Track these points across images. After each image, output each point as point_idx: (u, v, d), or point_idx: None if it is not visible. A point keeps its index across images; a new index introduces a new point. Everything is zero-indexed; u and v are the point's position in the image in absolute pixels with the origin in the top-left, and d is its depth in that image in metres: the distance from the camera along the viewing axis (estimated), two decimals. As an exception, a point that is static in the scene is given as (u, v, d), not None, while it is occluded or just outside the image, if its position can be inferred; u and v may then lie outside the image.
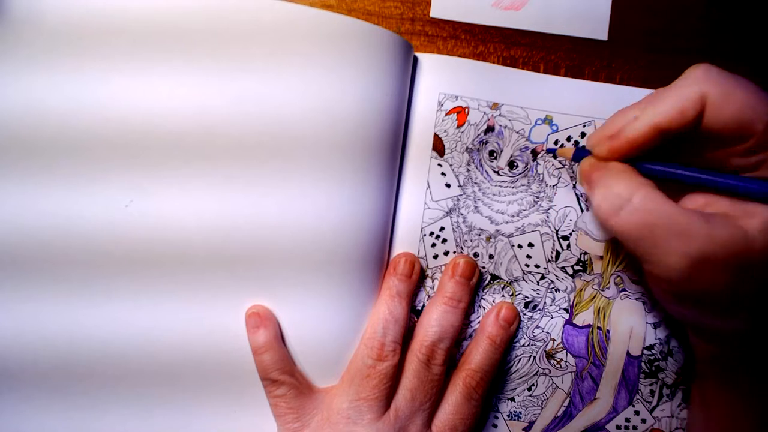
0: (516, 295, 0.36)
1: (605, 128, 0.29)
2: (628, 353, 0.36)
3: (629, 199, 0.26)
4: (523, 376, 0.37)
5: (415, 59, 0.35)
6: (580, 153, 0.32)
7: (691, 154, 0.29)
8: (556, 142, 0.36)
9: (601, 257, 0.36)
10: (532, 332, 0.36)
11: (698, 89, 0.26)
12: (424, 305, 0.36)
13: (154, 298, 0.32)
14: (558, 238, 0.36)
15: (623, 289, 0.36)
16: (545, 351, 0.36)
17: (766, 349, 0.28)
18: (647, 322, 0.36)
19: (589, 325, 0.36)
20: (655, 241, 0.26)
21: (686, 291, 0.26)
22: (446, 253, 0.36)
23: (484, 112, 0.36)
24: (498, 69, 0.36)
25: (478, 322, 0.36)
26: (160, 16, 0.31)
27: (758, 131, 0.25)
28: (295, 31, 0.31)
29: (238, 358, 0.33)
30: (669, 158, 0.29)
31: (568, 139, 0.36)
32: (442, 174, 0.35)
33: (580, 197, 0.36)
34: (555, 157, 0.35)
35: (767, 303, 0.26)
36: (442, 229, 0.36)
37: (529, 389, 0.37)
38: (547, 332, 0.36)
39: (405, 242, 0.35)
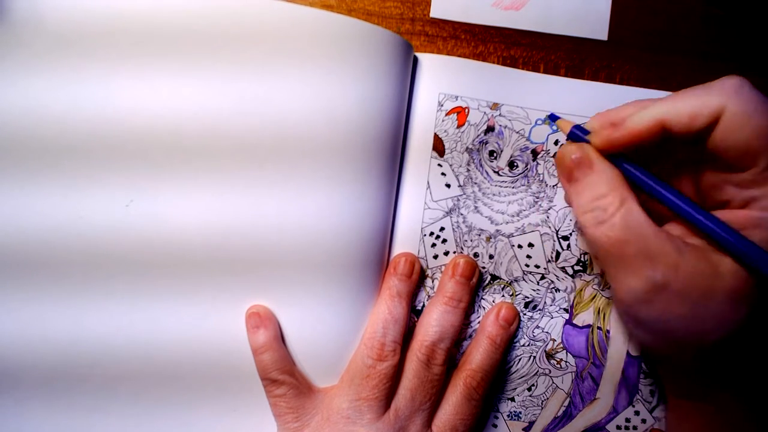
0: (516, 295, 0.36)
1: (612, 113, 0.28)
2: (628, 353, 0.36)
3: (613, 214, 0.26)
4: (523, 376, 0.37)
5: (415, 59, 0.35)
6: (577, 132, 0.29)
7: (690, 169, 0.28)
8: (556, 142, 0.36)
9: (601, 257, 0.36)
10: (532, 332, 0.36)
11: (719, 101, 0.25)
12: (424, 305, 0.36)
13: (154, 298, 0.32)
14: (558, 238, 0.36)
15: (623, 289, 0.36)
16: (545, 351, 0.36)
17: (733, 373, 0.28)
18: (647, 322, 0.36)
19: (589, 325, 0.36)
20: (624, 258, 0.25)
21: (642, 315, 0.26)
22: (446, 253, 0.36)
23: (484, 112, 0.36)
24: (498, 69, 0.36)
25: (478, 322, 0.36)
26: (159, 17, 0.31)
27: (759, 166, 0.24)
28: (294, 32, 0.32)
29: (238, 358, 0.33)
30: (668, 165, 0.29)
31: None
32: (442, 174, 0.36)
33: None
34: (554, 121, 0.32)
35: (728, 345, 0.26)
36: (442, 229, 0.36)
37: (529, 389, 0.37)
38: (547, 332, 0.36)
39: (405, 242, 0.35)
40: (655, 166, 0.29)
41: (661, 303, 0.25)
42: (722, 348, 0.26)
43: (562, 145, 0.33)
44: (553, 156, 0.36)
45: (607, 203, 0.26)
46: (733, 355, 0.27)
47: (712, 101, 0.25)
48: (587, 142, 0.28)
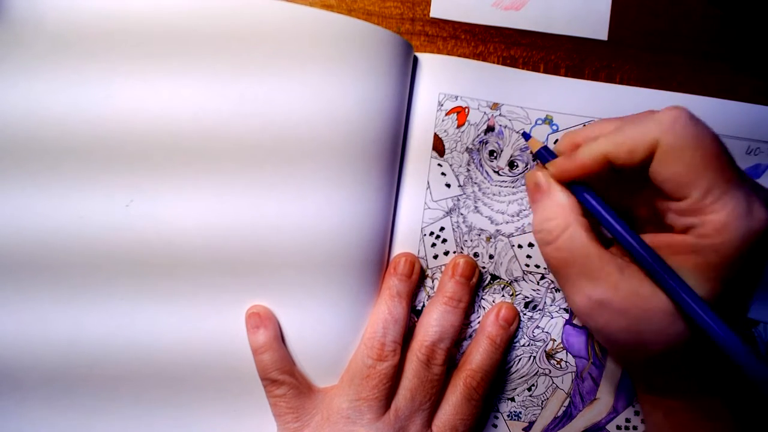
0: (516, 295, 0.36)
1: (578, 135, 0.30)
2: (628, 353, 0.36)
3: (557, 237, 0.28)
4: (523, 376, 0.36)
5: (415, 59, 0.35)
6: (543, 153, 0.31)
7: (647, 193, 0.29)
8: (556, 142, 0.36)
9: (601, 257, 0.36)
10: (532, 332, 0.36)
11: (654, 135, 0.26)
12: (424, 305, 0.36)
13: (154, 299, 0.32)
14: (558, 238, 0.36)
15: (623, 289, 0.36)
16: (545, 351, 0.36)
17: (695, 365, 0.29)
18: (647, 322, 0.36)
19: (589, 325, 0.36)
20: (568, 277, 0.28)
21: (590, 325, 0.28)
22: (446, 253, 0.36)
23: (484, 112, 0.36)
24: (498, 69, 0.36)
25: (478, 322, 0.36)
26: (159, 17, 0.31)
27: (693, 198, 0.25)
28: (294, 32, 0.32)
29: (238, 359, 0.33)
30: (630, 187, 0.29)
31: (568, 139, 0.36)
32: (442, 174, 0.35)
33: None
34: (526, 140, 0.34)
35: (682, 353, 0.27)
36: (442, 229, 0.36)
37: (529, 389, 0.37)
38: (547, 332, 0.36)
39: (405, 242, 0.35)
40: (617, 188, 0.30)
41: (603, 318, 0.27)
42: (673, 356, 0.27)
43: (536, 164, 0.35)
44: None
45: (553, 226, 0.29)
46: (700, 361, 0.28)
47: (647, 135, 0.26)
48: (549, 160, 0.30)
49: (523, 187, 0.36)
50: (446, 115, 0.35)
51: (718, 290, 0.25)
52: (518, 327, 0.36)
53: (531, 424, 0.37)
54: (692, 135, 0.25)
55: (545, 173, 0.30)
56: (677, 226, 0.26)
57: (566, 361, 0.36)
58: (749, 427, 0.29)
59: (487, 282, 0.36)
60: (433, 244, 0.36)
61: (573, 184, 0.29)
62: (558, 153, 0.31)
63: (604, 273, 0.27)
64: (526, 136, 0.34)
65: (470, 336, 0.36)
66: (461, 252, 0.36)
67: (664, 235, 0.27)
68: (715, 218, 0.25)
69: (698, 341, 0.26)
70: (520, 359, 0.36)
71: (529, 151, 0.36)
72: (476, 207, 0.36)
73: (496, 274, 0.36)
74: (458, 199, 0.36)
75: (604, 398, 0.37)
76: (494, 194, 0.36)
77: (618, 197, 0.30)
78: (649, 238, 0.28)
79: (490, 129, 0.36)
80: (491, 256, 0.36)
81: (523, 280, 0.36)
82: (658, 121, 0.26)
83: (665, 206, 0.27)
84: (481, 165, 0.36)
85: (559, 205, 0.29)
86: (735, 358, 0.24)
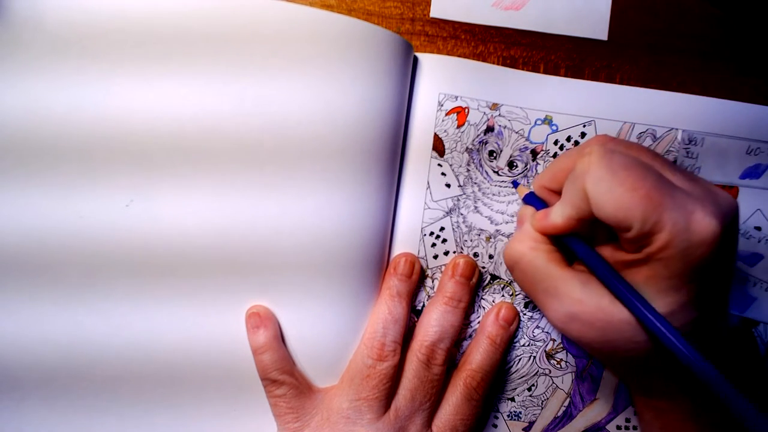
0: (516, 295, 0.36)
1: (544, 175, 0.33)
2: (628, 353, 0.36)
3: (519, 261, 0.31)
4: (523, 376, 0.37)
5: (415, 59, 0.35)
6: (529, 201, 0.33)
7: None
8: (555, 142, 0.36)
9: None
10: (532, 332, 0.36)
11: (581, 186, 0.27)
12: (424, 305, 0.36)
13: (154, 299, 0.32)
14: (558, 238, 0.36)
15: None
16: (545, 351, 0.36)
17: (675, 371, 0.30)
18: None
19: (589, 325, 0.36)
20: (536, 296, 0.31)
21: (566, 335, 0.30)
22: (446, 253, 0.36)
23: (484, 112, 0.36)
24: (498, 69, 0.36)
25: (478, 322, 0.36)
26: (159, 17, 0.31)
27: (633, 230, 0.26)
28: (294, 32, 0.32)
29: (238, 359, 0.33)
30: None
31: (568, 139, 0.36)
32: (442, 174, 0.36)
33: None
34: (515, 187, 0.36)
35: (643, 361, 0.29)
36: (442, 229, 0.36)
37: (529, 389, 0.37)
38: (547, 332, 0.36)
39: (405, 242, 0.35)
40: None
41: (575, 329, 0.29)
42: (650, 358, 0.28)
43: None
44: (554, 156, 0.36)
45: (519, 248, 0.31)
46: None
47: (579, 189, 0.28)
48: (535, 205, 0.33)
49: (523, 187, 0.36)
50: (446, 115, 0.35)
51: (676, 299, 0.27)
52: (518, 327, 0.36)
53: (531, 424, 0.37)
54: (612, 170, 0.27)
55: (526, 208, 0.33)
56: (634, 252, 0.28)
57: (566, 361, 0.36)
58: (731, 428, 0.29)
59: (487, 282, 0.36)
60: (433, 244, 0.36)
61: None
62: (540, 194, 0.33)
63: (566, 290, 0.29)
64: (515, 183, 0.36)
65: (470, 336, 0.36)
66: (461, 252, 0.36)
67: (619, 252, 0.29)
68: (657, 239, 0.26)
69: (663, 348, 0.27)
70: (520, 359, 0.36)
71: (529, 151, 0.36)
72: (476, 207, 0.36)
73: (496, 274, 0.36)
74: (458, 199, 0.36)
75: (604, 398, 0.37)
76: (494, 194, 0.36)
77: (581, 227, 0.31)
78: (608, 252, 0.29)
79: (489, 129, 0.36)
80: (491, 256, 0.36)
81: (523, 280, 0.36)
82: (580, 171, 0.28)
83: (620, 237, 0.28)
84: (480, 165, 0.36)
85: (525, 233, 0.31)
86: (688, 365, 0.26)
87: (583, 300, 0.28)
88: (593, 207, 0.27)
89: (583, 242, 0.30)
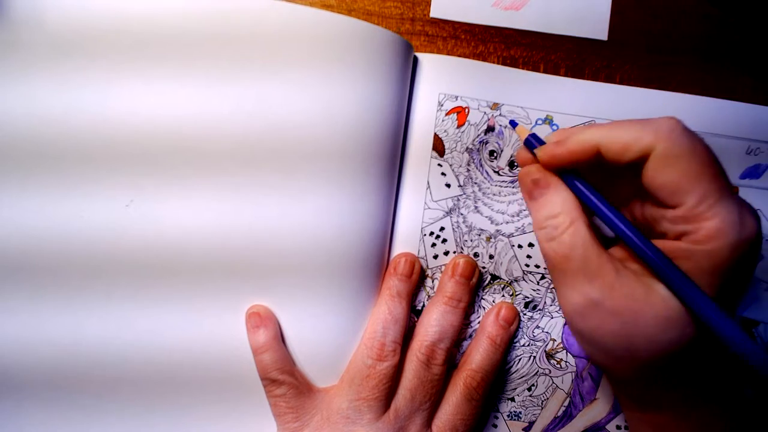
0: (516, 295, 0.36)
1: (569, 129, 0.29)
2: (628, 353, 0.36)
3: (563, 232, 0.28)
4: (523, 376, 0.37)
5: (415, 59, 0.35)
6: (531, 140, 0.30)
7: (634, 204, 0.29)
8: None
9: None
10: (532, 332, 0.36)
11: (650, 140, 0.26)
12: (424, 305, 0.36)
13: (154, 299, 0.32)
14: (558, 238, 0.36)
15: (623, 289, 0.36)
16: (545, 351, 0.36)
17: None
18: (647, 322, 0.36)
19: (589, 325, 0.36)
20: (566, 273, 0.28)
21: (580, 326, 0.28)
22: (446, 253, 0.36)
23: (484, 112, 0.36)
24: (498, 69, 0.36)
25: (478, 322, 0.36)
26: (159, 18, 0.31)
27: (687, 205, 0.25)
28: (294, 32, 0.32)
29: (238, 359, 0.33)
30: (624, 192, 0.29)
31: (568, 139, 0.36)
32: (442, 174, 0.36)
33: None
34: (513, 128, 0.33)
35: (672, 363, 0.27)
36: (442, 229, 0.36)
37: (529, 389, 0.37)
38: (547, 332, 0.36)
39: (405, 242, 0.35)
40: (612, 191, 0.30)
41: (595, 319, 0.27)
42: (663, 365, 0.27)
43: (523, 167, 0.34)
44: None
45: (559, 222, 0.28)
46: (695, 371, 0.28)
47: (644, 139, 0.26)
48: (538, 147, 0.30)
49: (523, 187, 0.36)
50: (446, 115, 0.35)
51: (710, 295, 0.26)
52: (518, 327, 0.36)
53: (531, 424, 0.37)
54: (688, 144, 0.26)
55: (541, 168, 0.30)
56: (670, 233, 0.27)
57: (566, 361, 0.36)
58: None
59: (487, 282, 0.36)
60: (433, 244, 0.36)
61: (563, 172, 0.29)
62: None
63: (601, 272, 0.27)
64: (513, 123, 0.32)
65: (470, 336, 0.36)
66: (461, 252, 0.36)
67: (656, 240, 0.27)
68: (708, 225, 0.25)
69: (692, 348, 0.26)
70: (520, 359, 0.36)
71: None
72: (476, 207, 0.36)
73: (496, 274, 0.36)
74: (458, 199, 0.36)
75: (604, 398, 0.37)
76: (494, 194, 0.36)
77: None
78: None
79: (490, 129, 0.36)
80: (491, 256, 0.36)
81: (523, 280, 0.36)
82: (654, 128, 0.26)
83: (658, 214, 0.27)
84: (481, 165, 0.36)
85: (565, 200, 0.28)
86: (742, 354, 0.24)
87: (615, 286, 0.26)
88: (653, 168, 0.26)
89: (629, 222, 0.28)
